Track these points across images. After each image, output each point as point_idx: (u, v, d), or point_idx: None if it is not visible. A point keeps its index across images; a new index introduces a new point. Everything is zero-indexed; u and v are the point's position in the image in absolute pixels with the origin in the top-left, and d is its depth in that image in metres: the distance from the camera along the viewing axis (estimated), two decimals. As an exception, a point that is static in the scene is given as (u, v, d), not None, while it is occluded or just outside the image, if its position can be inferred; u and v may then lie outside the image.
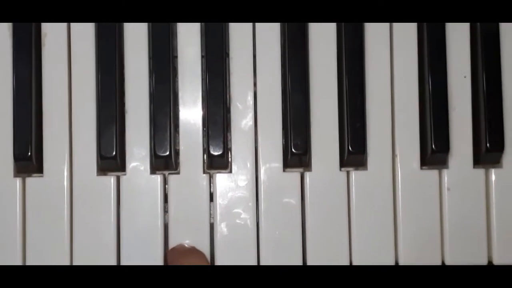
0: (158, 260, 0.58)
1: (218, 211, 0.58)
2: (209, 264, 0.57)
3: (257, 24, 0.59)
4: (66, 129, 0.58)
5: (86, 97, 0.58)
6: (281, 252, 0.58)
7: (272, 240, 0.58)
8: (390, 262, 0.58)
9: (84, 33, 0.59)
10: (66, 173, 0.58)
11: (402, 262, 0.58)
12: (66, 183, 0.58)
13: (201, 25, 0.59)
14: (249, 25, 0.59)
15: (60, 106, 0.58)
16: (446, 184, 0.58)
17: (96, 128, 0.58)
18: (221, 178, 0.59)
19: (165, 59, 0.58)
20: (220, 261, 0.58)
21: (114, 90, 0.58)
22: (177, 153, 0.59)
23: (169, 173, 0.59)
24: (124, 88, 0.59)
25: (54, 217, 0.58)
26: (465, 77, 0.59)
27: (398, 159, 0.58)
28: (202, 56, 0.59)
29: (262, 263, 0.58)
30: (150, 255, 0.58)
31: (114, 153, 0.57)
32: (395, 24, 0.59)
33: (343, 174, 0.58)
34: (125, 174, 0.58)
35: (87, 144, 0.58)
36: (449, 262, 0.58)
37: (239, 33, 0.59)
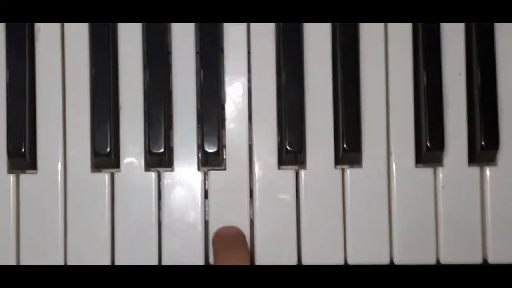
0: (153, 258, 0.58)
1: (213, 208, 0.58)
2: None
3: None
4: (60, 125, 0.58)
5: (80, 94, 0.58)
6: (275, 250, 0.58)
7: (267, 238, 0.58)
8: (385, 260, 0.58)
9: (78, 28, 0.59)
10: (60, 170, 0.58)
11: (397, 260, 0.58)
12: (60, 179, 0.58)
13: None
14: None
15: (54, 103, 0.58)
16: (441, 182, 0.58)
17: (90, 125, 0.58)
18: (215, 175, 0.58)
19: (160, 56, 0.58)
20: (214, 258, 0.58)
21: (108, 86, 0.58)
22: (171, 150, 0.58)
23: (163, 170, 0.58)
24: (118, 84, 0.58)
25: (48, 214, 0.57)
26: (459, 74, 0.59)
27: (393, 157, 0.58)
28: (196, 52, 0.59)
29: (257, 260, 0.58)
30: (145, 252, 0.58)
31: (108, 149, 0.57)
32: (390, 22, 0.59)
33: (338, 172, 0.58)
34: (119, 171, 0.58)
35: (81, 140, 0.58)
36: (443, 260, 0.58)
37: (233, 29, 0.59)
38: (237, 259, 0.54)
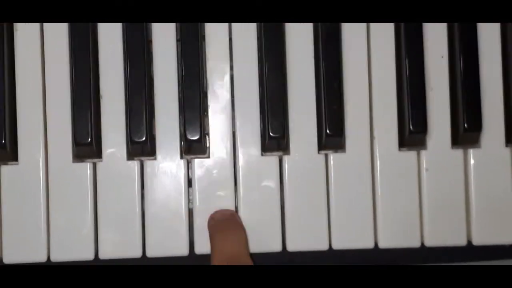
0: (137, 249, 0.57)
1: (197, 196, 0.58)
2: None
3: (233, 8, 0.59)
4: (40, 116, 0.58)
5: (61, 83, 0.58)
6: (260, 237, 0.57)
7: (252, 225, 0.57)
8: (370, 244, 0.58)
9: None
10: (41, 161, 0.57)
11: (381, 244, 0.58)
12: (41, 170, 0.57)
13: (176, 9, 0.58)
14: (225, 9, 0.59)
15: (34, 93, 0.58)
16: (424, 165, 0.58)
17: (71, 115, 0.57)
18: (199, 163, 0.58)
19: (140, 43, 0.57)
20: (199, 248, 0.57)
21: (88, 76, 0.57)
22: (153, 138, 0.58)
23: (146, 159, 0.58)
24: (99, 74, 0.58)
25: (31, 205, 0.57)
26: (442, 57, 0.59)
27: (376, 141, 0.58)
28: (177, 40, 0.58)
29: (242, 248, 0.58)
30: (129, 243, 0.57)
31: (89, 139, 0.56)
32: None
33: (321, 157, 0.58)
34: (101, 161, 0.58)
35: (62, 131, 0.57)
36: (428, 243, 0.58)
37: (215, 17, 0.59)
38: (235, 240, 0.54)
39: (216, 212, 0.57)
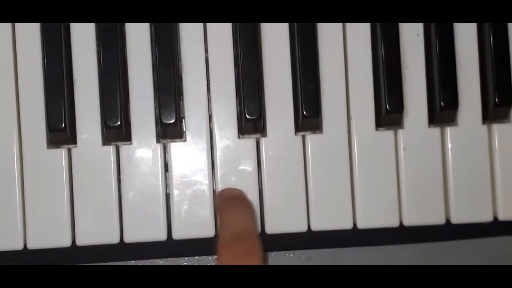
0: (115, 235, 0.57)
1: (174, 181, 0.57)
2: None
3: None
4: (13, 102, 0.57)
5: (33, 69, 0.57)
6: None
7: (230, 208, 0.57)
8: (348, 225, 0.57)
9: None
10: (15, 147, 0.56)
11: (360, 224, 0.58)
12: (15, 157, 0.56)
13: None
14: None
15: (6, 79, 0.57)
16: (402, 144, 0.58)
17: (44, 100, 0.56)
18: (175, 147, 0.57)
19: (113, 26, 0.57)
20: (177, 233, 0.57)
21: (61, 60, 0.56)
22: (129, 123, 0.57)
23: (121, 144, 0.57)
24: (71, 59, 0.57)
25: (5, 193, 0.56)
26: (418, 35, 0.58)
27: (353, 121, 0.58)
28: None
29: (220, 231, 0.57)
30: (106, 228, 0.57)
31: (63, 124, 0.56)
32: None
33: (298, 138, 0.58)
34: (76, 147, 0.57)
35: (36, 117, 0.57)
36: (406, 222, 0.58)
37: (190, -1, 0.58)
38: (243, 215, 0.52)
39: (224, 189, 0.57)
